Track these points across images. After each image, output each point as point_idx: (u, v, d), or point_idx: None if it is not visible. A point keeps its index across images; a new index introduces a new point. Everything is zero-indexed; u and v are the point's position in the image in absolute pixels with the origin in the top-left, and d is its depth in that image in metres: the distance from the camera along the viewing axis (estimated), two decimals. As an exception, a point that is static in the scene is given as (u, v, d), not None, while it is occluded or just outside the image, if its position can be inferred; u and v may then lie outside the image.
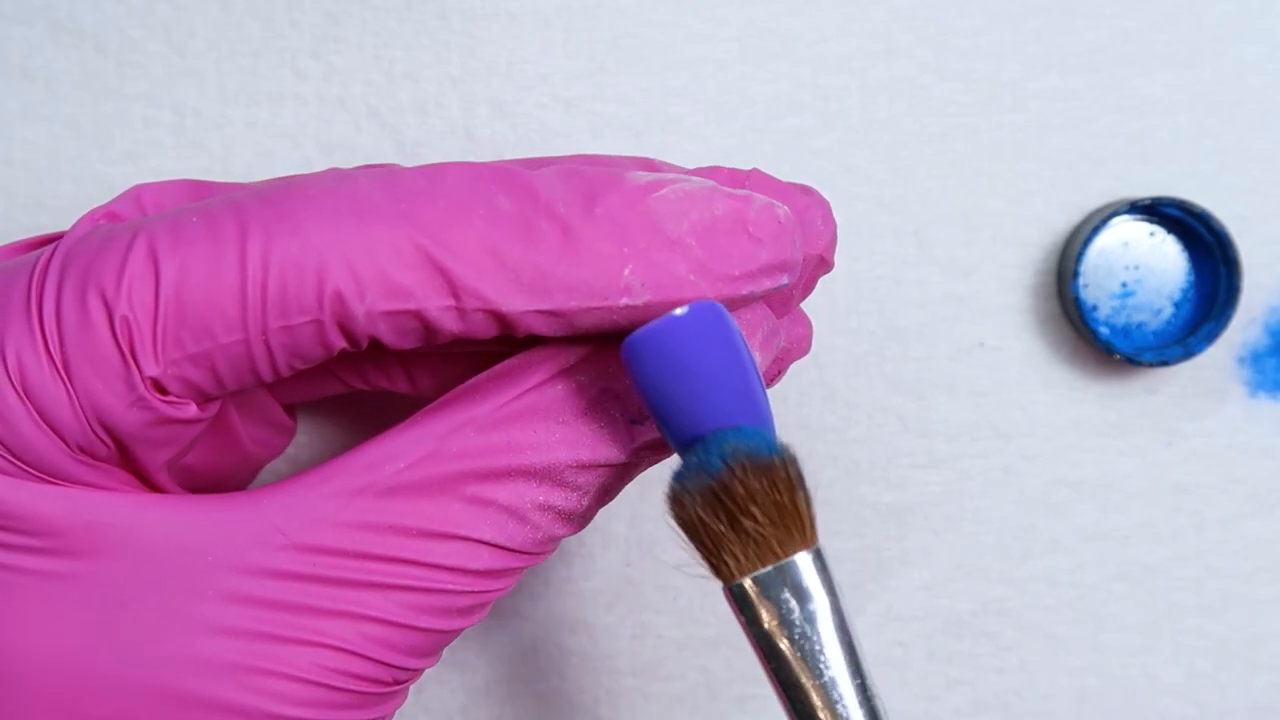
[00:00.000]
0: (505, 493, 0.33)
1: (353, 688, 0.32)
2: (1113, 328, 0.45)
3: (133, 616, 0.32)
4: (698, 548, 0.31)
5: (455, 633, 0.34)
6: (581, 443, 0.33)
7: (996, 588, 0.46)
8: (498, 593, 0.34)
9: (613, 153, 0.44)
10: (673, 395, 0.31)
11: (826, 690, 0.31)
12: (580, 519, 0.34)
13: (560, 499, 0.33)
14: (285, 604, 0.32)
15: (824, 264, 0.36)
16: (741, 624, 0.31)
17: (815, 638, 0.31)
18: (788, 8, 0.44)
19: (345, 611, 0.32)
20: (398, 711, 0.35)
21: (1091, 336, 0.44)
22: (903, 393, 0.45)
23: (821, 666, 0.31)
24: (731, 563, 0.31)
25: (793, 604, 0.31)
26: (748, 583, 0.31)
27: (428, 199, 0.31)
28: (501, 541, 0.33)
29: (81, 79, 0.44)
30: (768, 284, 0.33)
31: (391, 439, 0.33)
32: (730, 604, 0.32)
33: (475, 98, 0.44)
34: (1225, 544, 0.46)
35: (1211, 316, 0.44)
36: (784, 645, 0.31)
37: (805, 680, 0.31)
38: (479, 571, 0.33)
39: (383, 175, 0.32)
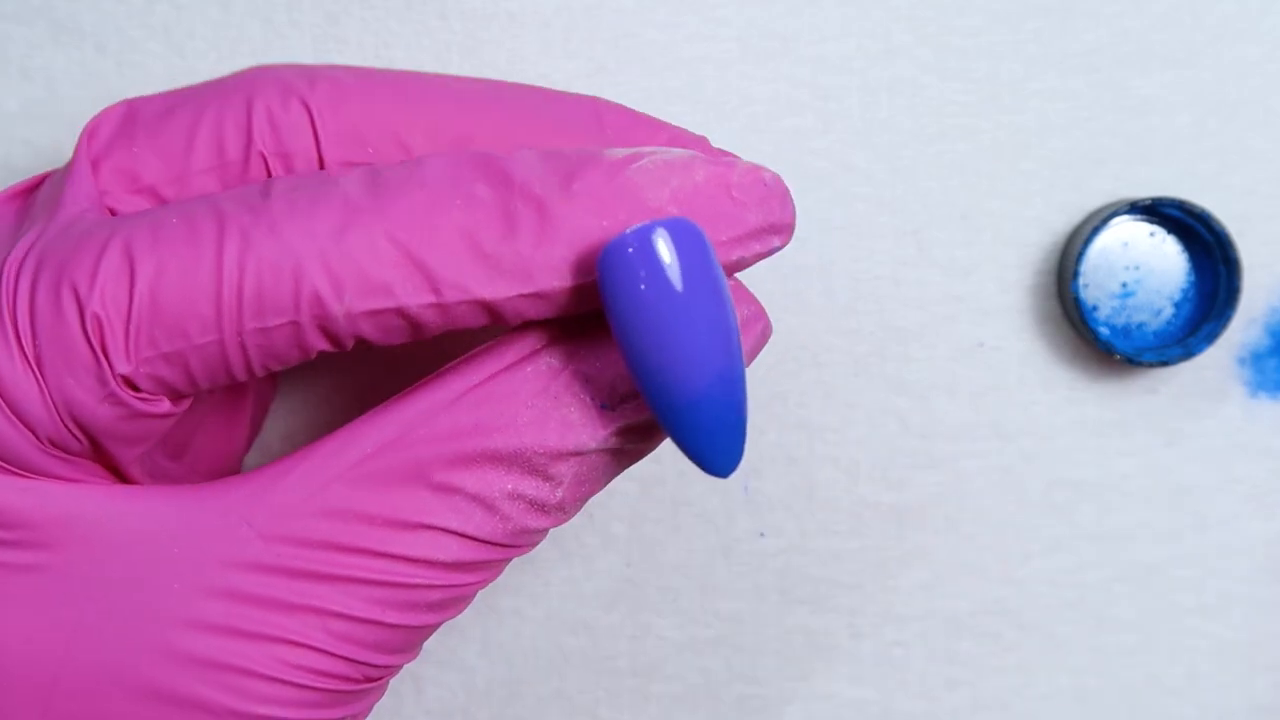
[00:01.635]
0: (473, 480, 0.32)
1: (321, 685, 0.32)
2: (1113, 328, 0.45)
3: (102, 609, 0.32)
4: None
5: (429, 628, 0.33)
6: (549, 427, 0.32)
7: (996, 588, 0.46)
8: (472, 587, 0.33)
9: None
10: (644, 309, 0.30)
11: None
12: (556, 510, 0.33)
13: (531, 488, 0.32)
14: (251, 597, 0.32)
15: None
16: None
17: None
18: (788, 8, 0.44)
19: (310, 606, 0.32)
20: (398, 711, 0.35)
21: (1091, 336, 0.44)
22: (903, 393, 0.45)
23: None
24: None
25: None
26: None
27: (405, 193, 0.31)
28: (469, 531, 0.32)
29: (81, 79, 0.44)
30: (758, 248, 0.32)
31: (360, 425, 0.33)
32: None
33: (475, 98, 0.44)
34: (1225, 544, 0.46)
35: (1211, 316, 0.44)
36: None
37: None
38: (447, 564, 0.32)
39: (362, 173, 0.32)
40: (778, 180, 0.33)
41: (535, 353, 0.33)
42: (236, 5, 0.44)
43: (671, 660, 0.46)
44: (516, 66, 0.44)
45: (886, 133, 0.45)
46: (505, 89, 0.36)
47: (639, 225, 0.30)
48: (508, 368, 0.33)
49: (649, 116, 0.36)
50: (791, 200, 0.33)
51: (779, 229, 0.32)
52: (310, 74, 0.35)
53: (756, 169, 0.32)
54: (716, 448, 0.32)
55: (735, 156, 0.34)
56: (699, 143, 0.35)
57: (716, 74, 0.45)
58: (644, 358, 0.30)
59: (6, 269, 0.31)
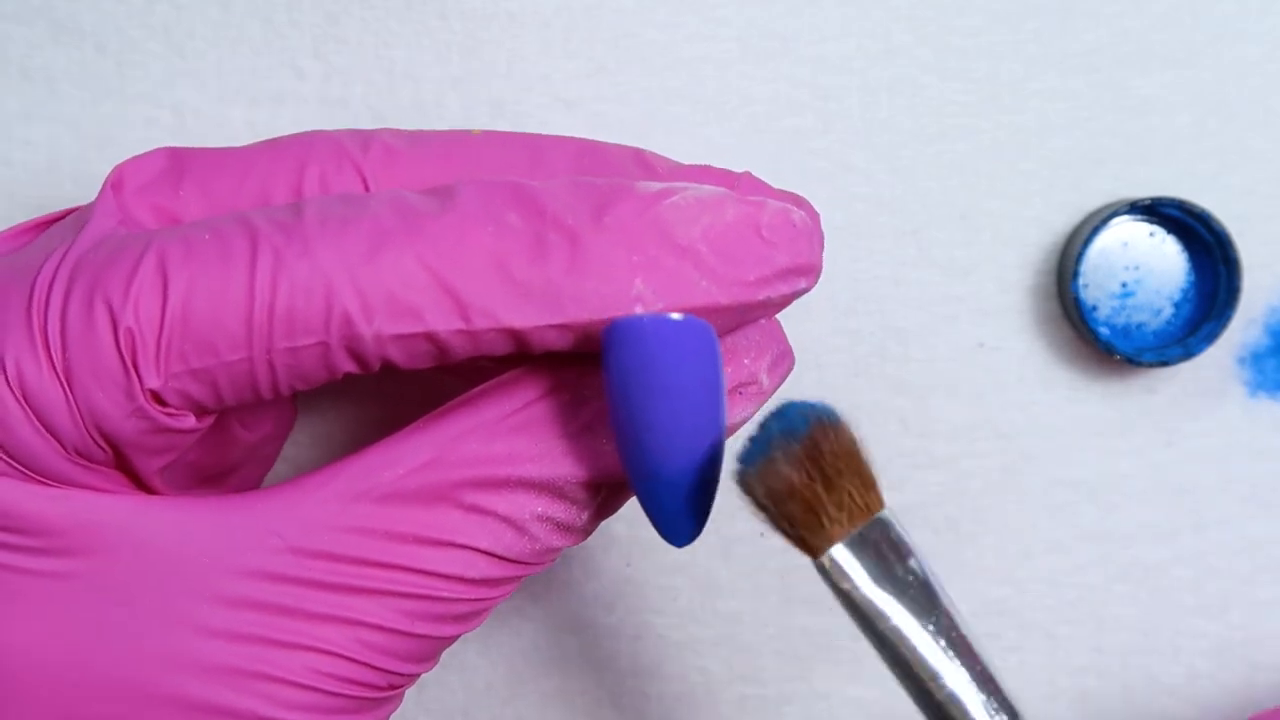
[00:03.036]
0: (504, 503, 0.33)
1: (347, 692, 0.32)
2: (1113, 328, 0.45)
3: (128, 617, 0.32)
4: (786, 516, 0.31)
5: (452, 638, 0.34)
6: (582, 457, 0.33)
7: (996, 588, 0.46)
8: (496, 600, 0.34)
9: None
10: (636, 389, 0.30)
11: (945, 639, 0.31)
12: (580, 531, 0.34)
13: (560, 511, 0.33)
14: (280, 607, 0.32)
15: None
16: (843, 590, 0.31)
17: (928, 588, 0.31)
18: (788, 8, 0.44)
19: (340, 616, 0.32)
20: (398, 711, 0.36)
21: (1091, 337, 0.44)
22: (903, 393, 0.45)
23: (940, 617, 0.31)
24: (830, 526, 0.31)
25: (893, 559, 0.31)
26: (845, 546, 0.31)
27: (436, 219, 0.31)
28: (499, 551, 0.33)
29: (81, 79, 0.44)
30: (785, 289, 0.32)
31: (393, 445, 0.33)
32: (831, 570, 0.31)
33: (475, 98, 0.44)
34: (1225, 544, 0.46)
35: (1211, 316, 0.44)
36: (894, 603, 0.31)
37: (920, 634, 0.31)
38: (476, 580, 0.33)
39: (394, 196, 0.32)
40: (807, 221, 0.33)
41: (570, 383, 0.33)
42: (236, 5, 0.44)
43: (671, 660, 0.46)
44: (516, 67, 0.44)
45: (886, 133, 0.45)
46: (550, 144, 0.36)
47: (656, 314, 0.30)
48: (542, 397, 0.33)
49: (694, 165, 0.36)
50: (821, 242, 0.34)
51: (806, 270, 0.33)
52: (364, 139, 0.35)
53: (787, 210, 0.32)
54: (676, 524, 0.33)
55: (771, 194, 0.35)
56: (743, 177, 0.35)
57: (716, 74, 0.45)
58: (629, 434, 0.31)
59: (38, 281, 0.31)
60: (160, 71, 0.44)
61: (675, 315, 0.30)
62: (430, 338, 0.31)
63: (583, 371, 0.33)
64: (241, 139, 0.44)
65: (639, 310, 0.31)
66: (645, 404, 0.30)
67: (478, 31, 0.44)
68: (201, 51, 0.44)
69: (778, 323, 0.35)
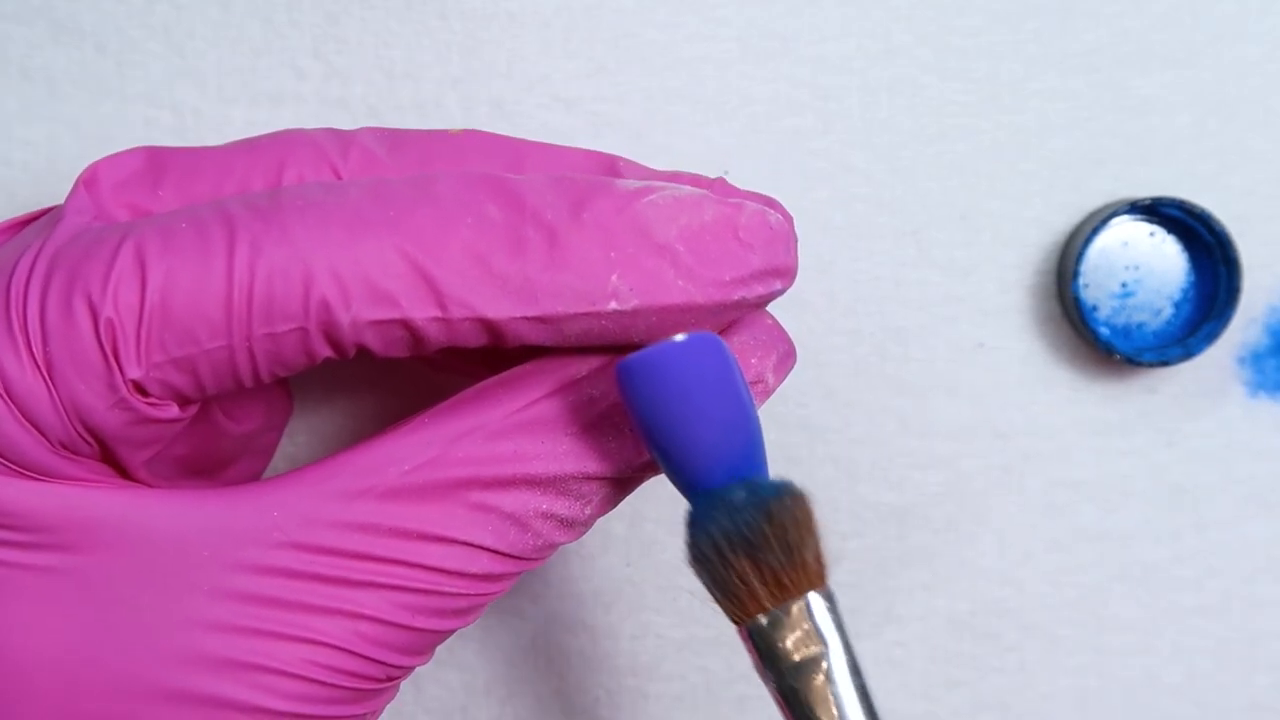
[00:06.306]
0: (509, 500, 0.33)
1: (345, 684, 0.33)
2: (1113, 328, 0.45)
3: (127, 611, 0.32)
4: (718, 585, 0.31)
5: (449, 632, 0.34)
6: (588, 455, 0.33)
7: (996, 588, 0.46)
8: (494, 594, 0.34)
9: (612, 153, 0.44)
10: (663, 421, 0.31)
11: None
12: (581, 527, 0.34)
13: (563, 508, 0.33)
14: (280, 601, 0.32)
15: None
16: (758, 661, 0.31)
17: (834, 677, 0.31)
18: (788, 8, 0.44)
19: (340, 610, 0.32)
20: (399, 711, 0.36)
21: (1091, 337, 0.44)
22: (903, 393, 0.45)
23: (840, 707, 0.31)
24: (750, 603, 0.31)
25: (809, 643, 0.31)
26: (764, 620, 0.31)
27: (416, 208, 0.32)
28: (502, 547, 0.33)
29: (81, 79, 0.44)
30: (760, 290, 0.33)
31: (396, 440, 0.33)
32: (748, 642, 0.32)
33: (475, 98, 0.44)
34: (1225, 544, 0.46)
35: (1211, 316, 0.44)
36: (803, 682, 0.31)
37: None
38: (477, 575, 0.33)
39: (372, 185, 0.32)
40: (783, 224, 0.33)
41: (576, 381, 0.33)
42: (236, 5, 0.44)
43: (671, 660, 0.46)
44: (516, 67, 0.44)
45: (886, 133, 0.45)
46: (527, 148, 0.36)
47: (660, 344, 0.31)
48: (548, 395, 0.33)
49: (667, 171, 0.36)
50: (796, 244, 0.34)
51: (781, 272, 0.33)
52: (343, 141, 0.35)
53: (763, 212, 0.33)
54: None
55: (745, 197, 0.35)
56: (718, 183, 0.36)
57: (716, 74, 0.45)
58: (664, 455, 0.31)
59: (15, 277, 0.31)
60: (160, 71, 0.44)
61: (679, 337, 0.31)
62: (406, 324, 0.31)
63: (587, 368, 0.33)
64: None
65: (614, 306, 0.31)
66: (679, 430, 0.31)
67: (478, 31, 0.44)
68: (201, 51, 0.44)
69: (776, 324, 0.36)
